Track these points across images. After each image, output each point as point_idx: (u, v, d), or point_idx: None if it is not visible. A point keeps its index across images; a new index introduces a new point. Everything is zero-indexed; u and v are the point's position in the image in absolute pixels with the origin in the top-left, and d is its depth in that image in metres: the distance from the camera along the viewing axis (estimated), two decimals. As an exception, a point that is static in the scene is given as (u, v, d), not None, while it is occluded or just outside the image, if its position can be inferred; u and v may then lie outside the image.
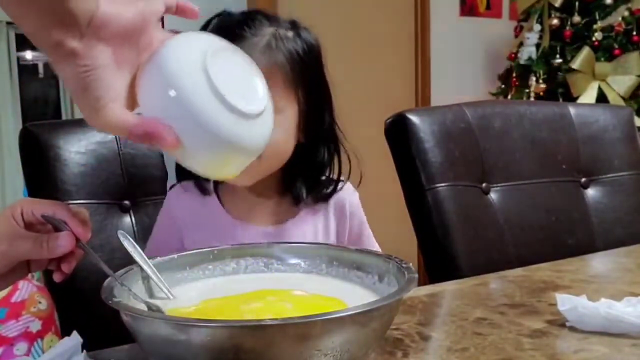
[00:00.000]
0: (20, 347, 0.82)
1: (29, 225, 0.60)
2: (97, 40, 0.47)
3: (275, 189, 0.92)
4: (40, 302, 0.88)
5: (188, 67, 0.49)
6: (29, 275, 0.85)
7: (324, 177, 0.92)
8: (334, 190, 0.92)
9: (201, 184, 0.92)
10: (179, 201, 0.93)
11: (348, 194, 0.95)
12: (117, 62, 0.49)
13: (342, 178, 0.93)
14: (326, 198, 0.92)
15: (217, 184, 0.93)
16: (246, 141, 0.52)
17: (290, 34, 0.85)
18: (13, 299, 0.86)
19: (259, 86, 0.55)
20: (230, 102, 0.50)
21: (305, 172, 0.90)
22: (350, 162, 0.92)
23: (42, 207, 0.60)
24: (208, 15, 0.84)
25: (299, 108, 0.85)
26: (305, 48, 0.85)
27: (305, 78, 0.84)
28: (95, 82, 0.47)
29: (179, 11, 0.56)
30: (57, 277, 0.61)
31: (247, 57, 0.56)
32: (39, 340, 0.84)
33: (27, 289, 0.89)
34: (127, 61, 0.50)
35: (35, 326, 0.85)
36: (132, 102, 0.51)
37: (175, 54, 0.51)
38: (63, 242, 0.57)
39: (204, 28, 0.86)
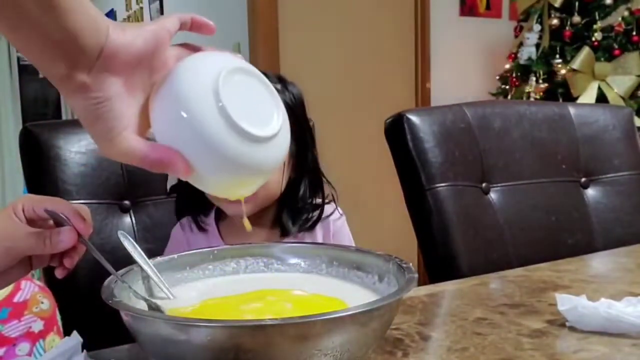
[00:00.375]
0: (22, 347, 0.82)
1: (30, 222, 0.60)
2: (107, 72, 0.46)
3: (268, 220, 1.02)
4: (42, 302, 0.87)
5: (199, 91, 0.49)
6: (30, 274, 0.84)
7: (306, 205, 1.02)
8: (319, 219, 1.01)
9: (199, 220, 1.01)
10: (184, 238, 1.02)
11: (333, 219, 1.04)
12: (128, 90, 0.48)
13: (326, 202, 1.03)
14: (311, 227, 1.01)
15: (217, 219, 1.03)
16: (258, 164, 0.52)
17: (278, 86, 0.97)
18: (15, 299, 0.85)
19: (274, 108, 0.54)
20: (241, 126, 0.49)
21: (292, 204, 1.01)
22: (335, 192, 1.06)
23: (44, 203, 0.60)
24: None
25: (289, 147, 0.94)
26: (293, 99, 0.98)
27: (292, 124, 0.94)
28: (107, 113, 0.47)
29: (195, 27, 0.55)
30: (59, 273, 0.61)
31: (263, 78, 0.54)
32: (41, 340, 0.84)
33: (29, 288, 0.88)
34: (140, 85, 0.49)
35: (38, 326, 0.85)
36: (145, 123, 0.50)
37: (186, 76, 0.49)
38: (65, 237, 0.57)
39: None
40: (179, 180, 1.00)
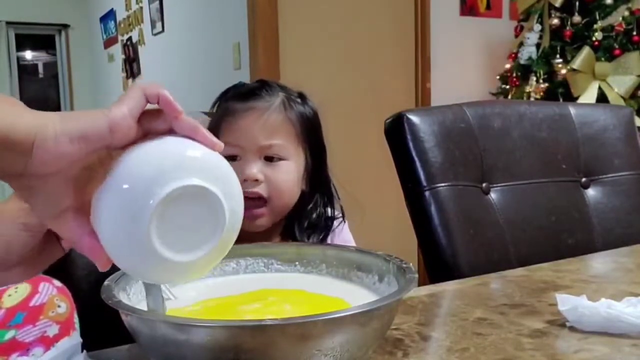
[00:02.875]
0: (36, 352, 0.80)
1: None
2: (36, 177, 0.45)
3: (277, 232, 1.01)
4: (59, 306, 0.85)
5: (118, 216, 0.46)
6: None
7: (317, 217, 1.02)
8: (328, 231, 1.02)
9: None
10: None
11: (336, 224, 1.05)
12: (68, 178, 0.47)
13: (337, 214, 1.05)
14: (323, 240, 1.02)
15: None
16: (179, 277, 0.52)
17: (299, 100, 1.00)
18: (32, 303, 0.83)
19: (208, 229, 0.48)
20: (165, 257, 0.46)
21: (303, 216, 1.01)
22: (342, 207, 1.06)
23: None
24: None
25: (305, 160, 0.99)
26: (311, 113, 1.01)
27: (309, 136, 1.00)
28: (39, 201, 0.47)
29: (161, 105, 0.50)
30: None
31: (208, 189, 0.46)
32: (55, 344, 0.83)
33: (47, 291, 0.86)
34: (89, 169, 0.48)
35: (53, 330, 0.83)
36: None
37: (111, 193, 0.46)
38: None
39: (222, 96, 1.01)
40: None
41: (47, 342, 0.80)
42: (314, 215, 1.00)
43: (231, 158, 0.93)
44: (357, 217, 1.12)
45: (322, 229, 1.00)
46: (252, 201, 0.92)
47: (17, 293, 0.81)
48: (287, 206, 0.97)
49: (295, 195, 0.97)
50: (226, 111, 0.97)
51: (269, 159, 0.94)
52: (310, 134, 1.00)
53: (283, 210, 0.97)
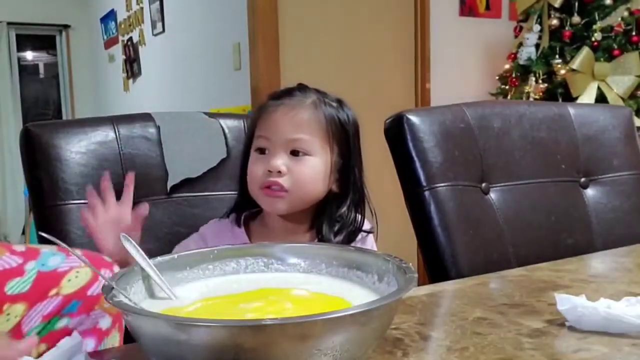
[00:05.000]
0: (88, 343, 0.77)
1: None
2: None
3: (304, 228, 1.03)
4: None
5: None
6: (114, 261, 0.81)
7: (346, 220, 1.02)
8: (356, 235, 1.02)
9: (237, 217, 1.05)
10: (210, 229, 1.05)
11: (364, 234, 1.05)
12: None
13: (367, 229, 1.04)
14: (349, 242, 1.02)
15: (248, 219, 1.05)
16: None
17: (334, 104, 1.02)
18: (89, 292, 0.78)
19: None
20: None
21: (331, 215, 1.02)
22: (375, 214, 1.06)
23: None
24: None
25: (332, 159, 1.00)
26: (346, 118, 1.02)
27: (340, 138, 1.01)
28: None
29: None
30: None
31: None
32: (105, 338, 0.79)
33: None
34: None
35: (105, 323, 0.78)
36: None
37: None
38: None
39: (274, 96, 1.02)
40: (240, 180, 1.04)
41: (99, 335, 0.77)
42: (343, 217, 1.02)
43: (261, 151, 0.99)
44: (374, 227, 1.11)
45: (350, 234, 1.01)
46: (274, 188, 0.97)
47: (77, 278, 0.77)
48: (307, 199, 0.99)
49: (317, 191, 0.99)
50: (262, 108, 1.02)
51: (295, 153, 0.97)
52: (341, 135, 1.01)
53: (302, 201, 0.99)
